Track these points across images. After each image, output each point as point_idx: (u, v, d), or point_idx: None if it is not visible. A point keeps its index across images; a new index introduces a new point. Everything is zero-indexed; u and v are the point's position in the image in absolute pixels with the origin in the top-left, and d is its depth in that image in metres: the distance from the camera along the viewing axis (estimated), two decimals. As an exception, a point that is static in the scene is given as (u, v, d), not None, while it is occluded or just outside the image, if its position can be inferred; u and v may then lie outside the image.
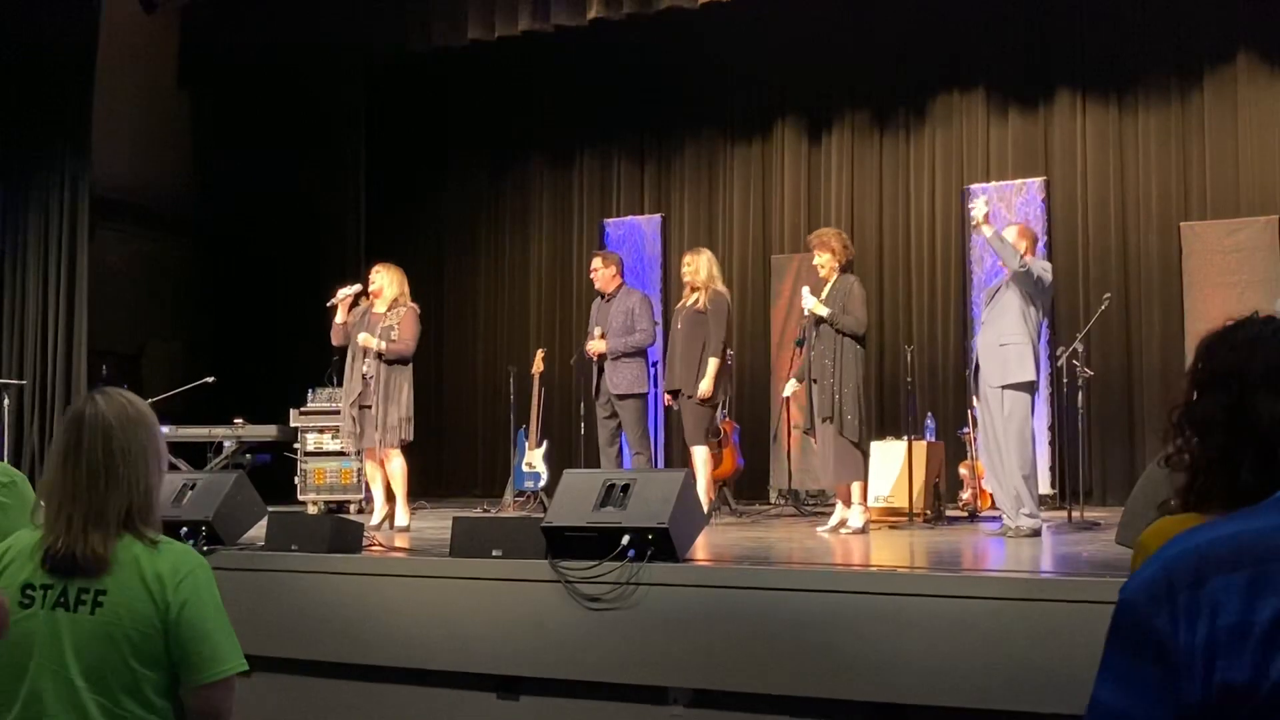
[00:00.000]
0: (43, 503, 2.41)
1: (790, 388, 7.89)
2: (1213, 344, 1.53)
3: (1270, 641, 0.88)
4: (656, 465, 8.96)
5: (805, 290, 7.28)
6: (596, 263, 8.34)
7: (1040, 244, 9.39)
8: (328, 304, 7.83)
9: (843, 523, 7.14)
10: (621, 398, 7.91)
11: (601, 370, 8.01)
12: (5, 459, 8.86)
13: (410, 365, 7.63)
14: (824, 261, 7.29)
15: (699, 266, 7.82)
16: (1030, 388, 6.75)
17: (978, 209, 6.82)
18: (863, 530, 6.96)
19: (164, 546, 2.39)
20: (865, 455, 7.24)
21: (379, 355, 7.49)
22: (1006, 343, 6.73)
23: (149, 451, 2.41)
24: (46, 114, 10.09)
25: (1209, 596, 0.92)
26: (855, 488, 7.11)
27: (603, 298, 8.23)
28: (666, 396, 8.14)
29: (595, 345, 8.01)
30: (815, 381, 7.13)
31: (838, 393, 7.00)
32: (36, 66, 9.96)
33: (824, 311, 7.07)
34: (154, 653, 2.32)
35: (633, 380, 7.93)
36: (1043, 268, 6.87)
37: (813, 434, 7.23)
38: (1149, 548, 1.68)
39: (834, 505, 7.56)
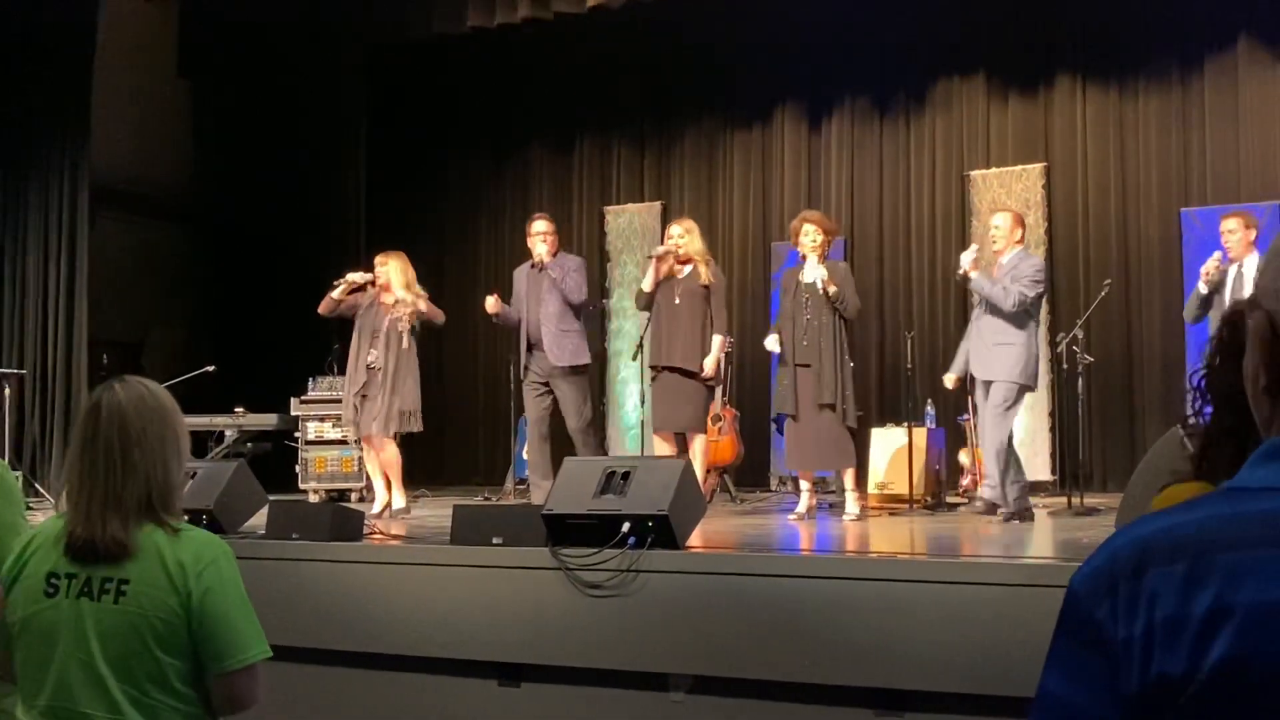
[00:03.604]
0: (64, 491, 2.42)
1: (772, 343, 7.20)
2: (1244, 313, 1.50)
3: (1205, 633, 0.90)
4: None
5: (812, 260, 6.96)
6: (545, 226, 7.59)
7: (1041, 230, 9.41)
8: (334, 281, 7.71)
9: (811, 509, 7.10)
10: (564, 371, 7.37)
11: (531, 346, 7.47)
12: (6, 448, 8.87)
13: (416, 359, 7.64)
14: (813, 239, 6.96)
15: (694, 237, 7.32)
16: (1022, 386, 6.76)
17: (966, 259, 6.87)
18: (860, 517, 6.94)
19: (185, 534, 2.39)
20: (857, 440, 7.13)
21: (411, 328, 7.49)
22: (1001, 342, 6.72)
23: (167, 439, 2.40)
24: (46, 102, 10.06)
25: (1148, 588, 0.94)
26: (848, 474, 7.02)
27: (533, 266, 7.57)
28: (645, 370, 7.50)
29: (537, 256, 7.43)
30: (807, 365, 6.86)
31: (839, 378, 6.83)
32: (36, 54, 9.94)
33: (834, 289, 6.85)
34: (177, 641, 2.33)
35: (575, 351, 7.39)
36: (1031, 280, 6.78)
37: (794, 417, 6.93)
38: None
39: (833, 492, 7.55)
